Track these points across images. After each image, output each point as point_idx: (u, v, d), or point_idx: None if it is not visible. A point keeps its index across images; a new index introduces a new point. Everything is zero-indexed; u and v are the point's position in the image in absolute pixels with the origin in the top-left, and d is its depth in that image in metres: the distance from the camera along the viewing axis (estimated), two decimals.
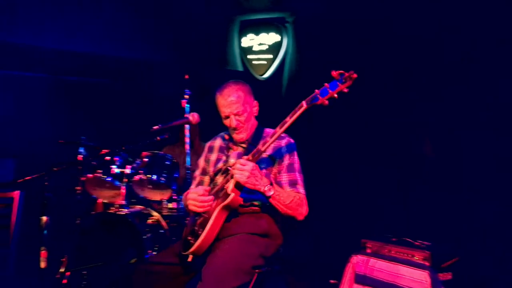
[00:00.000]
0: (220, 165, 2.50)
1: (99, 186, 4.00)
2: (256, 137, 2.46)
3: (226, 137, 2.58)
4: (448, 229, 3.61)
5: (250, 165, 2.13)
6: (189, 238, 2.26)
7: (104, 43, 4.41)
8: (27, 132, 4.49)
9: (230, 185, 2.19)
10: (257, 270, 2.12)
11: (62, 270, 3.62)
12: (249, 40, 5.07)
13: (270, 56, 4.93)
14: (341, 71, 2.07)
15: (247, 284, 2.07)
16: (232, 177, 2.19)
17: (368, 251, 3.34)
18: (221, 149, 2.58)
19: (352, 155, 4.43)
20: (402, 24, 3.93)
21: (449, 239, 3.42)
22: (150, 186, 3.97)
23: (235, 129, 2.43)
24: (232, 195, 2.15)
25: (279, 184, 2.33)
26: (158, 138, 2.57)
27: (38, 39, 4.27)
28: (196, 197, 2.27)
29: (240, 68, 5.16)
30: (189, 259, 2.18)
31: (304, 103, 2.13)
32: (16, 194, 3.62)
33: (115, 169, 3.84)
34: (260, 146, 2.19)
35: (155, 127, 2.60)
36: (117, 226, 3.66)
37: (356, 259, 3.31)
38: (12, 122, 4.60)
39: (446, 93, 3.73)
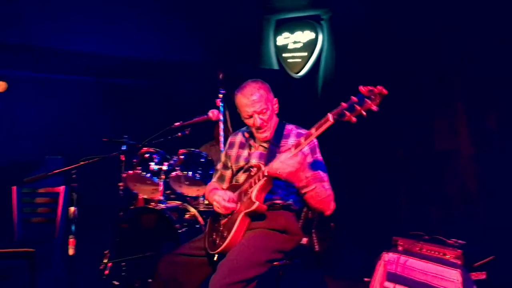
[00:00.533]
0: (241, 163, 2.54)
1: (139, 182, 4.19)
2: (278, 135, 2.48)
3: (247, 135, 2.59)
4: (484, 228, 3.52)
5: (299, 157, 2.12)
6: (214, 236, 2.35)
7: (144, 47, 4.60)
8: (75, 131, 4.76)
9: (254, 192, 2.24)
10: (274, 263, 2.19)
11: (105, 261, 3.86)
12: (284, 39, 5.12)
13: (305, 54, 4.96)
14: (370, 87, 1.96)
15: (263, 276, 2.14)
16: (255, 182, 2.25)
17: (400, 248, 3.32)
18: (241, 145, 2.62)
19: (385, 152, 4.39)
20: (445, 22, 3.84)
21: (486, 239, 3.33)
22: (187, 183, 4.11)
23: (259, 128, 2.44)
24: (257, 203, 2.20)
25: None
26: (180, 134, 2.65)
27: (86, 45, 4.51)
28: (221, 200, 2.34)
29: (275, 66, 5.22)
30: (215, 258, 2.27)
31: (330, 117, 2.03)
32: (61, 189, 3.85)
33: (153, 166, 4.02)
34: (302, 140, 2.15)
35: (176, 124, 2.69)
36: (154, 220, 3.84)
37: (387, 256, 3.30)
38: (61, 123, 4.90)
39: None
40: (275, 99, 2.53)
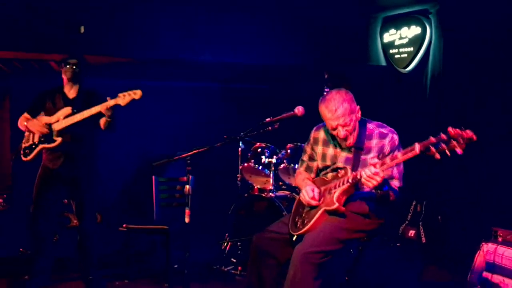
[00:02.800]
0: (328, 162, 2.73)
1: (254, 173, 4.74)
2: (361, 137, 2.60)
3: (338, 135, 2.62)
4: None
5: (381, 175, 2.27)
6: (297, 219, 2.67)
7: (258, 54, 5.12)
8: (201, 131, 5.50)
9: (337, 193, 2.47)
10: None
11: (225, 240, 4.49)
12: (390, 35, 5.21)
13: (411, 49, 4.99)
14: (460, 131, 2.02)
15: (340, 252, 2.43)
16: (339, 185, 2.48)
17: (499, 239, 3.30)
18: (325, 143, 2.77)
19: (484, 141, 4.26)
20: None
21: None
22: (294, 174, 4.54)
23: (344, 139, 2.59)
24: (336, 205, 2.45)
25: None
26: (270, 128, 3.00)
27: (209, 55, 5.20)
28: (306, 196, 2.61)
29: (383, 63, 5.35)
30: (294, 238, 2.60)
31: (417, 148, 2.14)
32: (189, 178, 4.58)
33: (264, 159, 4.53)
34: (387, 160, 2.30)
35: (267, 120, 3.04)
36: (265, 207, 4.34)
37: (487, 247, 3.30)
38: (190, 124, 5.72)
39: None
40: (358, 106, 2.60)
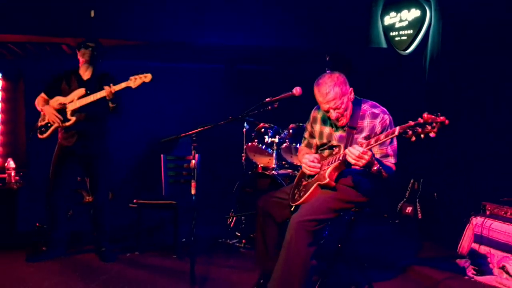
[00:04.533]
0: (324, 140, 2.92)
1: (258, 152, 4.93)
2: (354, 117, 2.76)
3: (330, 116, 2.78)
4: None
5: (368, 154, 2.43)
6: (295, 191, 2.90)
7: (257, 36, 5.28)
8: (207, 111, 5.67)
9: (329, 170, 2.67)
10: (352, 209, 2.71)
11: (230, 215, 4.73)
12: (391, 18, 5.32)
13: (410, 31, 5.11)
14: (432, 116, 2.19)
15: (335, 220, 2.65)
16: (332, 162, 2.67)
17: (487, 213, 3.49)
18: (322, 122, 2.97)
19: (477, 117, 4.42)
20: None
21: None
22: (296, 153, 4.73)
23: (336, 119, 2.77)
24: (327, 180, 2.65)
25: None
26: (269, 107, 3.15)
27: (216, 38, 5.36)
28: (307, 161, 2.83)
29: (384, 45, 5.48)
30: (292, 208, 2.83)
31: (396, 130, 2.33)
32: (196, 156, 4.80)
33: (267, 139, 4.72)
34: (372, 141, 2.47)
35: (267, 99, 3.21)
36: (268, 184, 4.54)
37: (475, 220, 3.50)
38: (196, 104, 5.90)
39: None
40: (350, 88, 2.75)
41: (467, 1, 4.58)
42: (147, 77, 3.70)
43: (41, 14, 4.71)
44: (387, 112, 2.79)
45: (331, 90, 2.65)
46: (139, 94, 5.74)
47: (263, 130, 4.80)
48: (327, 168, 2.70)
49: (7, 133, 5.73)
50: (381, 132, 2.65)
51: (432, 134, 2.20)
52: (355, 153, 2.45)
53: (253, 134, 4.87)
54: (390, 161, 2.71)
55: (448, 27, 4.79)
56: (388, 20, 5.38)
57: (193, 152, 2.96)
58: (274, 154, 4.67)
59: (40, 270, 3.68)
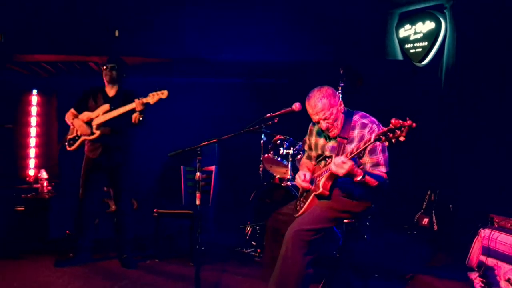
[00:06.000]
0: (319, 151, 3.07)
1: (274, 164, 5.07)
2: (345, 128, 2.89)
3: (321, 127, 2.94)
4: None
5: (348, 164, 2.55)
6: (298, 203, 3.03)
7: (274, 52, 5.45)
8: (225, 123, 5.87)
9: (322, 180, 2.79)
10: (345, 221, 2.81)
11: (247, 225, 4.88)
12: (405, 31, 5.38)
13: (425, 43, 5.15)
14: (400, 121, 2.31)
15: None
16: (325, 172, 2.78)
17: (495, 225, 3.50)
18: (317, 134, 3.12)
19: (498, 133, 4.40)
20: None
21: None
22: None
23: (327, 129, 2.92)
24: (320, 190, 2.77)
25: (364, 165, 2.80)
26: (270, 122, 3.26)
27: (230, 53, 5.57)
28: (298, 179, 2.97)
29: (399, 57, 5.53)
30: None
31: (372, 138, 2.48)
32: (213, 168, 4.99)
33: (283, 150, 4.85)
34: (354, 150, 2.62)
35: (267, 115, 3.34)
36: (283, 195, 4.67)
37: (484, 232, 3.51)
38: (216, 117, 6.10)
39: None
40: (340, 101, 2.90)
41: (481, 13, 4.61)
42: (164, 94, 3.93)
43: (70, 35, 5.09)
44: (376, 122, 2.89)
45: (319, 101, 2.82)
46: (162, 108, 6.00)
47: (279, 142, 4.93)
48: (321, 179, 2.83)
49: (41, 145, 6.11)
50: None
51: (401, 138, 2.32)
52: (335, 162, 2.58)
53: (269, 146, 5.02)
54: (381, 170, 2.79)
55: (463, 39, 4.82)
56: (403, 32, 5.44)
57: (198, 165, 3.10)
58: (289, 166, 4.80)
59: (66, 274, 3.95)
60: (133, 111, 4.07)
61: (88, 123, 4.22)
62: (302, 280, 2.60)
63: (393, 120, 2.34)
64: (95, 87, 4.34)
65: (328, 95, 2.86)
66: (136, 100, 3.98)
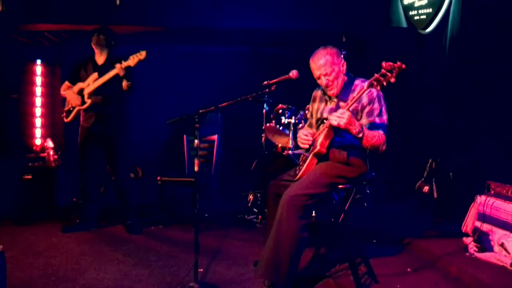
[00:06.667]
0: (319, 115, 3.12)
1: (276, 133, 5.10)
2: (346, 90, 2.96)
3: (321, 83, 3.05)
4: None
5: (347, 114, 2.64)
6: (297, 168, 3.09)
7: (276, 19, 5.40)
8: (230, 93, 5.89)
9: (320, 139, 2.86)
10: (340, 186, 2.89)
11: (249, 193, 4.97)
12: None
13: (430, 10, 5.05)
14: (390, 63, 2.47)
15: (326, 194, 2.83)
16: (322, 131, 2.85)
17: (491, 192, 3.53)
18: (320, 99, 3.19)
19: (501, 99, 4.38)
20: None
21: None
22: None
23: (326, 87, 2.99)
24: (318, 148, 2.85)
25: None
26: (267, 90, 3.28)
27: (236, 21, 5.52)
28: (301, 135, 3.04)
29: (404, 25, 5.45)
30: None
31: (365, 85, 2.66)
32: (215, 137, 5.05)
33: (284, 120, 4.88)
34: (349, 101, 2.73)
35: (265, 82, 3.37)
36: (284, 163, 4.73)
37: (480, 199, 3.56)
38: (220, 85, 6.10)
39: None
40: (343, 62, 3.01)
41: None
42: (142, 55, 3.95)
43: (73, 4, 5.06)
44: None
45: (322, 57, 2.94)
46: (167, 76, 6.03)
47: (280, 111, 4.94)
48: (318, 138, 2.90)
49: (46, 115, 6.19)
50: (368, 104, 2.88)
51: (392, 80, 2.51)
52: (336, 114, 2.68)
53: (271, 115, 5.04)
54: (378, 131, 2.82)
55: (469, 5, 4.73)
56: None
57: (196, 133, 3.14)
58: (291, 135, 4.82)
59: (72, 239, 4.09)
60: (122, 78, 4.08)
61: (80, 93, 4.27)
62: (296, 243, 2.67)
63: (383, 64, 2.51)
64: (86, 58, 4.38)
65: (332, 53, 2.96)
66: (117, 65, 4.01)
